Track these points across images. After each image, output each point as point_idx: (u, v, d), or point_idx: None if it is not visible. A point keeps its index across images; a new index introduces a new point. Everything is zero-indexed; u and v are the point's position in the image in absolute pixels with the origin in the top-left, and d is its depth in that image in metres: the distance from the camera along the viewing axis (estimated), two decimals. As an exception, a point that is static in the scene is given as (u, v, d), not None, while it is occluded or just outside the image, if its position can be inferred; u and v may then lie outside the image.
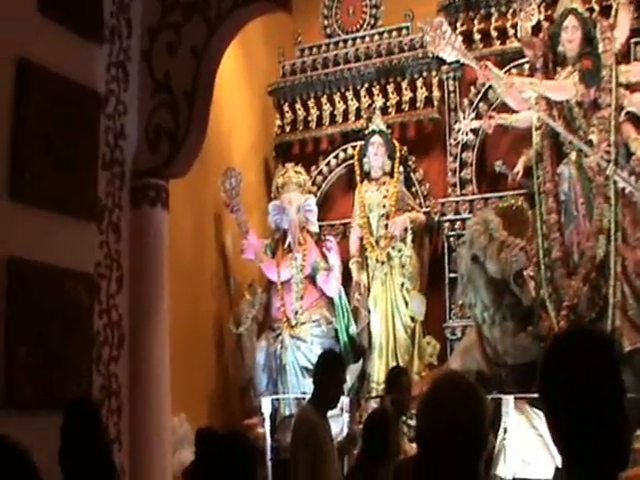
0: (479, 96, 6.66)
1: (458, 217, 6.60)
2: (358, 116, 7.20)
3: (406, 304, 6.53)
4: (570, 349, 1.70)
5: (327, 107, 7.32)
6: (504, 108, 6.33)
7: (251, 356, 6.53)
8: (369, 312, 6.61)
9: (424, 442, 1.92)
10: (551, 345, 1.76)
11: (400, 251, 6.60)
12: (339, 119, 7.29)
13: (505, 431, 4.88)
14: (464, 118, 6.55)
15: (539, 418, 4.97)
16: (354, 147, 7.15)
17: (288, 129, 7.43)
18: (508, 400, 4.92)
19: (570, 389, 1.65)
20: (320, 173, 7.33)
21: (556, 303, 5.71)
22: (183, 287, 5.75)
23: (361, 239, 6.82)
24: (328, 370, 3.97)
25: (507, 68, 6.47)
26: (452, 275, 6.48)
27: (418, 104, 6.97)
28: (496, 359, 5.71)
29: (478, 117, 6.54)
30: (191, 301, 6.17)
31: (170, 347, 4.21)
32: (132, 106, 4.26)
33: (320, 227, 7.00)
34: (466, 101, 6.71)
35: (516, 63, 6.51)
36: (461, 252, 6.13)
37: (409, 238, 6.58)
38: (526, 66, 6.43)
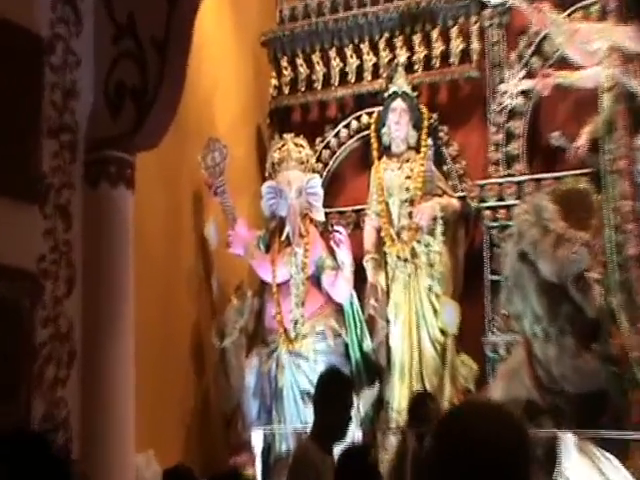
0: (531, 48, 6.59)
1: (502, 204, 6.55)
2: (376, 75, 7.13)
3: (435, 313, 6.52)
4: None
5: (336, 63, 7.24)
6: (564, 64, 6.27)
7: (239, 377, 6.52)
8: (388, 323, 6.60)
9: None
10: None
11: (428, 246, 6.58)
12: (351, 78, 7.20)
13: (563, 476, 4.79)
14: (511, 77, 6.48)
15: (608, 461, 4.88)
16: (370, 114, 7.10)
17: (287, 90, 7.37)
18: (567, 438, 4.85)
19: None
20: (327, 147, 7.28)
21: (630, 313, 5.63)
22: (153, 289, 5.73)
23: (378, 231, 6.80)
24: (330, 393, 4.03)
25: (569, 11, 6.37)
26: (494, 277, 6.46)
27: (452, 59, 6.91)
28: (551, 385, 5.67)
29: (530, 75, 6.48)
30: (164, 307, 6.15)
31: (136, 365, 4.18)
32: (86, 57, 4.24)
33: (327, 215, 6.97)
34: (514, 55, 6.62)
35: (581, 4, 6.41)
36: (506, 248, 6.10)
37: (439, 230, 6.55)
38: (594, 8, 6.33)
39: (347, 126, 7.30)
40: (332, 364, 6.01)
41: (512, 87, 6.49)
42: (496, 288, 6.35)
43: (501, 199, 6.60)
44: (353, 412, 4.28)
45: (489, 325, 6.52)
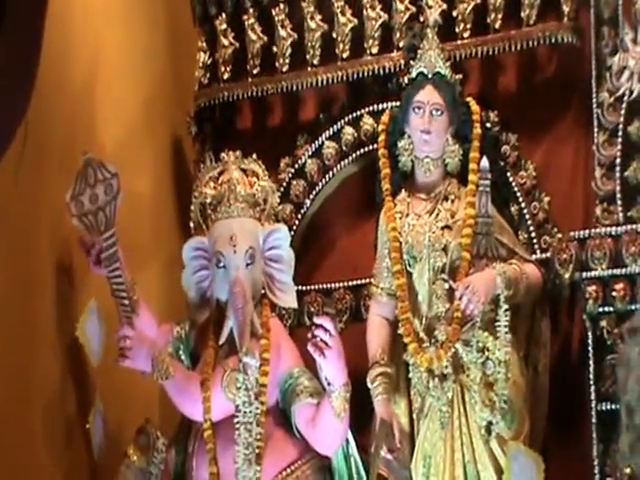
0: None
1: (620, 272, 5.88)
2: (386, 43, 6.46)
3: (498, 473, 5.74)
4: None
5: (315, 23, 6.62)
6: None
7: None
8: (411, 487, 5.91)
9: None
10: None
11: (483, 351, 5.89)
12: (343, 48, 6.54)
13: None
14: (635, 42, 5.98)
15: None
16: (375, 115, 6.44)
17: (226, 74, 6.74)
18: None
19: None
20: (300, 174, 6.68)
21: None
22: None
23: (393, 324, 6.10)
24: None
25: None
26: (605, 406, 5.73)
27: (525, 12, 6.19)
28: None
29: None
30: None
31: None
32: None
33: (301, 297, 6.38)
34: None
35: None
36: (629, 353, 5.61)
37: (503, 321, 5.77)
38: None
39: (335, 137, 6.55)
40: None
41: (635, 61, 5.93)
42: (610, 425, 5.61)
43: (618, 264, 5.86)
44: None
45: (598, 489, 5.79)
